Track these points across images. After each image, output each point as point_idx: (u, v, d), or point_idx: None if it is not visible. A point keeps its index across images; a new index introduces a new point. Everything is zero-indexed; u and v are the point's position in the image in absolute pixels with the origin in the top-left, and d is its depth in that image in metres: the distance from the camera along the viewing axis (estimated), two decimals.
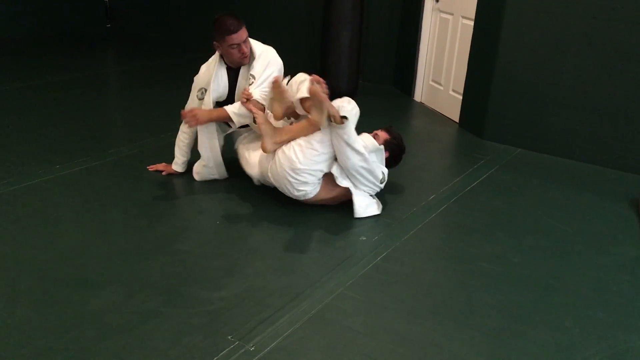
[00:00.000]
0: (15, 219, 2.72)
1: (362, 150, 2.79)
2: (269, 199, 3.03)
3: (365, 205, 2.92)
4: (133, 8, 7.70)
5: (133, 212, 2.84)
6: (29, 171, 3.24)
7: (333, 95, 4.63)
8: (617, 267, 2.58)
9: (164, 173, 3.33)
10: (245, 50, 3.05)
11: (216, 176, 3.26)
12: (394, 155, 3.14)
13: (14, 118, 4.15)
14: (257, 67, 3.09)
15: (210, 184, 3.23)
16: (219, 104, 3.19)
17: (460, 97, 4.45)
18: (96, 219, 2.76)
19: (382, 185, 3.02)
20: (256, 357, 1.90)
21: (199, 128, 3.13)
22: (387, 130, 3.15)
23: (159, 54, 6.63)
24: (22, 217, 2.75)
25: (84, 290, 2.21)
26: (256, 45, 3.18)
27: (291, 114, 2.94)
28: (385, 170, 3.02)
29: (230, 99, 3.20)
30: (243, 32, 3.03)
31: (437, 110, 4.88)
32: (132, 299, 2.17)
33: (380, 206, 2.99)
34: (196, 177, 3.26)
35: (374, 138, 2.99)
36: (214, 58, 3.17)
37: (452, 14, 4.56)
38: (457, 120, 4.52)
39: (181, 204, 3.01)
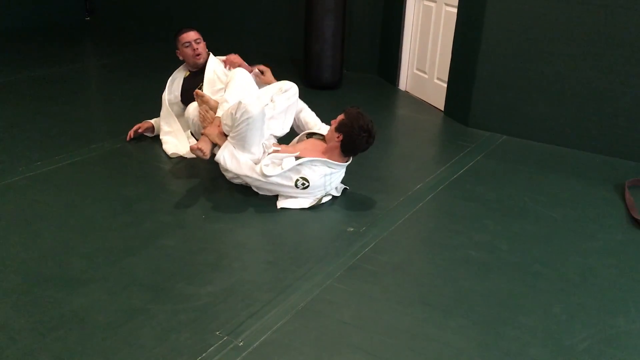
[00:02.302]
0: None
1: (239, 172, 2.88)
2: (254, 193, 2.99)
3: (292, 200, 2.89)
4: (112, 0, 7.58)
5: (117, 208, 2.80)
6: (9, 168, 3.18)
7: (317, 86, 4.59)
8: (604, 252, 2.59)
9: (140, 131, 3.66)
10: (197, 47, 3.46)
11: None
12: (348, 137, 2.81)
13: None
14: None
15: (194, 179, 3.19)
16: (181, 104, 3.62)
17: (445, 85, 4.44)
18: (79, 216, 2.72)
19: (304, 189, 2.83)
20: (245, 352, 1.88)
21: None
22: (345, 112, 2.87)
23: (139, 46, 6.54)
24: (2, 216, 2.69)
25: (68, 288, 2.17)
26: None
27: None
28: (313, 177, 2.81)
29: (184, 99, 3.56)
30: (194, 34, 3.49)
31: (422, 98, 4.87)
32: (117, 297, 2.13)
33: (315, 201, 2.89)
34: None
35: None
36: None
37: (435, 2, 4.54)
38: (442, 109, 4.51)
39: (166, 199, 2.97)
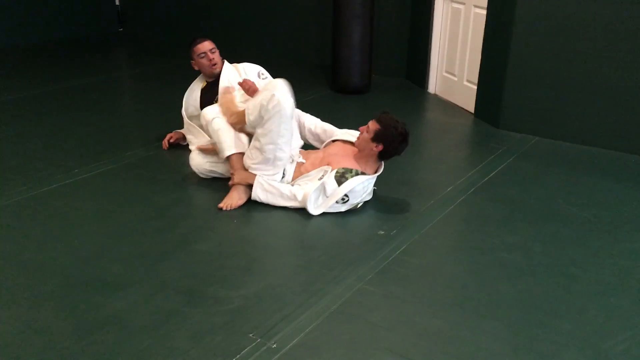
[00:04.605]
0: (35, 224, 2.75)
1: (275, 204, 2.89)
2: None
3: (314, 200, 2.83)
4: (144, 11, 7.74)
5: (151, 214, 2.86)
6: (48, 176, 3.27)
7: (345, 91, 4.57)
8: None
9: (172, 140, 3.70)
10: (213, 57, 3.47)
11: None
12: (389, 146, 2.83)
13: (30, 124, 4.20)
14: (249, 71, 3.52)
15: (225, 185, 3.23)
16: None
17: (475, 87, 4.41)
18: (115, 222, 2.78)
19: (344, 203, 2.83)
20: (278, 355, 1.90)
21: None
22: (377, 120, 2.84)
23: (171, 56, 6.66)
24: (42, 222, 2.77)
25: (105, 292, 2.22)
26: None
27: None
28: (352, 193, 2.80)
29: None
30: (208, 44, 3.50)
31: (452, 101, 4.84)
32: (152, 300, 2.18)
33: (351, 206, 2.87)
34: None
35: (360, 135, 2.88)
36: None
37: (463, 4, 4.52)
38: (473, 111, 4.48)
39: (198, 204, 3.02)
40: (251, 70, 3.52)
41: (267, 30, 6.54)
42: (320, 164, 2.93)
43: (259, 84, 3.44)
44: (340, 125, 3.49)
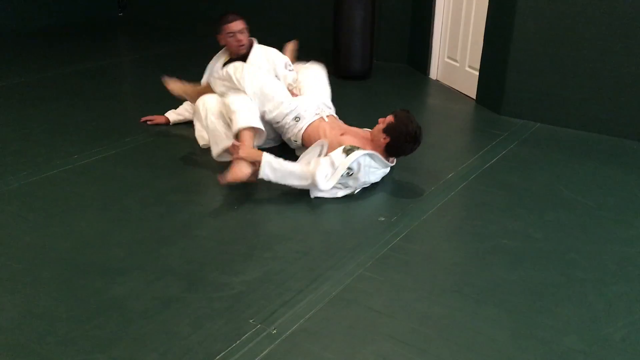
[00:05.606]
0: (35, 210, 2.75)
1: (282, 183, 2.84)
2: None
3: (324, 174, 2.78)
4: None
5: (151, 200, 2.86)
6: (47, 162, 3.26)
7: (346, 76, 4.56)
8: None
9: (149, 122, 3.83)
10: (241, 38, 3.45)
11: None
12: (394, 142, 2.85)
13: (30, 110, 4.18)
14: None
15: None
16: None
17: (477, 73, 4.39)
18: (115, 208, 2.78)
19: (349, 177, 2.80)
20: (278, 340, 1.91)
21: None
22: (394, 114, 2.89)
23: (171, 41, 6.62)
24: (42, 208, 2.77)
25: (106, 277, 2.23)
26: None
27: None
28: (357, 167, 2.78)
29: None
30: (239, 23, 3.45)
31: (454, 87, 4.82)
32: (153, 285, 2.18)
33: (349, 191, 2.87)
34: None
35: (377, 125, 2.92)
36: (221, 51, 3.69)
37: None
38: (474, 97, 4.46)
39: (198, 190, 3.01)
40: (279, 60, 3.52)
41: (268, 14, 6.50)
42: (336, 133, 3.01)
43: (284, 74, 3.49)
44: (341, 111, 3.47)
